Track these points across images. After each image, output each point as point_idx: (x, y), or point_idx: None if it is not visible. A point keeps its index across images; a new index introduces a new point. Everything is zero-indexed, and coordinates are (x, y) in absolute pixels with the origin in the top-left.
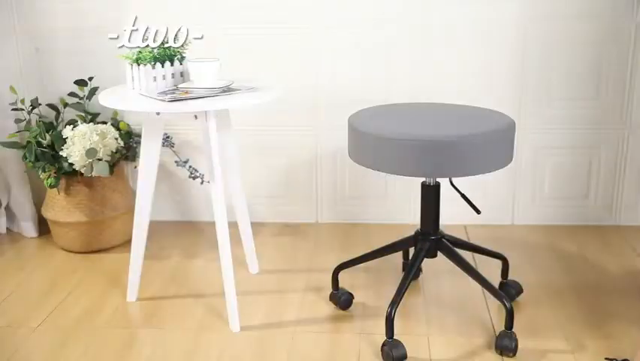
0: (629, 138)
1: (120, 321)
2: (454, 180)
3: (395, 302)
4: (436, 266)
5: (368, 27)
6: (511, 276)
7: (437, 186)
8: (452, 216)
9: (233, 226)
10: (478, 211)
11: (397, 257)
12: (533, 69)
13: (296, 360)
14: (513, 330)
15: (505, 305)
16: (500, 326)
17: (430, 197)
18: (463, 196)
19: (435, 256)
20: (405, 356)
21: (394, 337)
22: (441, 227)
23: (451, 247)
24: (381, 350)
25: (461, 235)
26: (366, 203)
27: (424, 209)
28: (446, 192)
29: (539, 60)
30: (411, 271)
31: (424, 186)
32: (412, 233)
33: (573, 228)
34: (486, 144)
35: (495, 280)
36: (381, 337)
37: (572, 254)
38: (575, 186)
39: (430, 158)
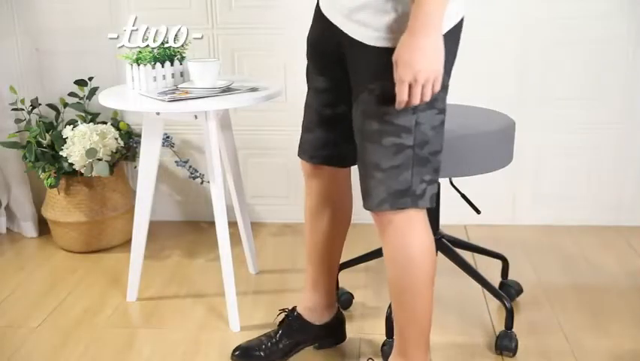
0: (629, 138)
1: (120, 321)
2: (454, 180)
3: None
4: (436, 266)
5: None
6: (511, 276)
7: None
8: (452, 216)
9: (233, 225)
10: (478, 211)
11: None
12: (533, 69)
13: (296, 360)
14: (513, 330)
15: (505, 305)
16: (500, 326)
17: None
18: (463, 196)
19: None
20: None
21: (394, 337)
22: (441, 227)
23: (450, 246)
24: (381, 350)
25: (461, 235)
26: None
27: None
28: (446, 192)
29: (539, 60)
30: None
31: None
32: None
33: (573, 228)
34: (486, 144)
35: (495, 280)
36: (382, 337)
37: (572, 254)
38: (575, 186)
39: None
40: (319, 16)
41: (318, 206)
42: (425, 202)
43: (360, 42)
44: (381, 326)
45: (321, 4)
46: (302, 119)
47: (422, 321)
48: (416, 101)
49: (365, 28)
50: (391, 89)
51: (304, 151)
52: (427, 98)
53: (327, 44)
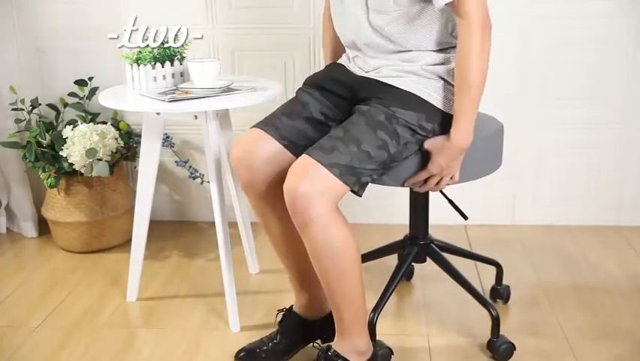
0: (629, 138)
1: (120, 321)
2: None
3: (378, 308)
4: (436, 265)
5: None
6: (511, 276)
7: None
8: (452, 216)
9: (233, 226)
10: (465, 217)
11: (395, 259)
12: (533, 69)
13: (295, 360)
14: (500, 337)
15: (490, 313)
16: (501, 326)
17: (419, 201)
18: (451, 202)
19: (424, 261)
20: (388, 356)
21: (379, 338)
22: (441, 228)
23: (439, 252)
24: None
25: (461, 236)
26: (366, 203)
27: (412, 213)
28: (446, 192)
29: (539, 60)
30: (396, 278)
31: (412, 190)
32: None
33: (573, 228)
34: (471, 151)
35: (492, 282)
36: (380, 337)
37: (573, 254)
38: (575, 186)
39: (412, 167)
40: (338, 70)
41: (265, 208)
42: (360, 191)
43: (396, 86)
44: (380, 326)
45: (351, 68)
46: (283, 106)
47: (357, 301)
48: (431, 186)
49: (412, 81)
50: (408, 114)
51: (275, 127)
52: (442, 187)
53: (342, 87)
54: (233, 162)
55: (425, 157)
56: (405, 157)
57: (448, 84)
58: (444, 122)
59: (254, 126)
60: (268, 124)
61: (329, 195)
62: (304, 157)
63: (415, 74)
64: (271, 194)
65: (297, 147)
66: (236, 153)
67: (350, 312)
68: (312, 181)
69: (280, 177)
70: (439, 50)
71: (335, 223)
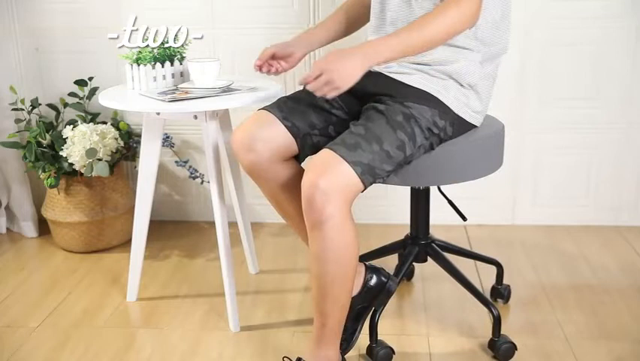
0: (629, 138)
1: (120, 321)
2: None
3: (379, 308)
4: (436, 265)
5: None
6: (511, 276)
7: (427, 190)
8: (453, 216)
9: (233, 226)
10: (464, 218)
11: (396, 259)
12: (533, 70)
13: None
14: (501, 337)
15: (492, 313)
16: (502, 326)
17: (420, 201)
18: (450, 203)
19: (425, 260)
20: (390, 355)
21: (380, 338)
22: (441, 228)
23: (440, 252)
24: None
25: (462, 236)
26: (366, 203)
27: (413, 213)
28: (446, 193)
29: (539, 60)
30: (397, 277)
31: (413, 189)
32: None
33: (573, 228)
34: (472, 151)
35: (492, 282)
36: (380, 336)
37: (572, 254)
38: (575, 186)
39: (412, 167)
40: None
41: (276, 190)
42: (367, 187)
43: (406, 83)
44: (380, 326)
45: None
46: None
47: (344, 309)
48: (314, 88)
49: (421, 77)
50: (423, 109)
51: (279, 109)
52: (319, 94)
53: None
54: (234, 145)
55: (431, 157)
56: (414, 160)
57: (458, 84)
58: (455, 123)
59: (258, 110)
60: (273, 106)
61: (345, 194)
62: (326, 151)
63: (424, 72)
64: (276, 173)
65: (298, 131)
66: (236, 136)
67: (335, 318)
68: (331, 177)
69: (281, 157)
70: (455, 45)
71: (347, 227)
